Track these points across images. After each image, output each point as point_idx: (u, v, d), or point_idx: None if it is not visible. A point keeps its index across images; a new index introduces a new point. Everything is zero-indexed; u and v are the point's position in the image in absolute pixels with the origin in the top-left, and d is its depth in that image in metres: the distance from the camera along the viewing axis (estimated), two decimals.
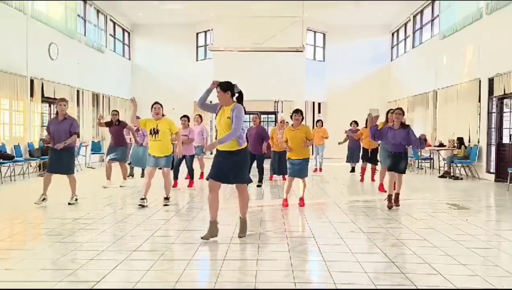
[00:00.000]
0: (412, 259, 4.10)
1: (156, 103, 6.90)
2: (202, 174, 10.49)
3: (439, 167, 13.24)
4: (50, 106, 13.51)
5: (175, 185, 8.92)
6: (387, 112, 8.43)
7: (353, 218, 6.07)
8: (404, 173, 6.98)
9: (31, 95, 11.99)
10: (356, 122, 12.49)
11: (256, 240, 4.76)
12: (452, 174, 11.54)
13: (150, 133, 6.76)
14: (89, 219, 5.85)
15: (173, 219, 5.94)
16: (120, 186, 9.09)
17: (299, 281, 3.47)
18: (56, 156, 6.91)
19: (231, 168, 4.69)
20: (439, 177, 11.73)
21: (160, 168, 7.02)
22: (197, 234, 5.02)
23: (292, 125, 6.90)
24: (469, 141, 11.90)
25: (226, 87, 4.75)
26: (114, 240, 4.74)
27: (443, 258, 4.12)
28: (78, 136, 7.18)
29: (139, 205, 6.74)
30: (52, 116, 13.57)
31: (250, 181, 5.00)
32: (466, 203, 7.46)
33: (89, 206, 6.81)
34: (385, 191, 8.30)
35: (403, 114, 7.01)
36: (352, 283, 3.42)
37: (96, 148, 15.47)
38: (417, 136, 6.91)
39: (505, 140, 10.70)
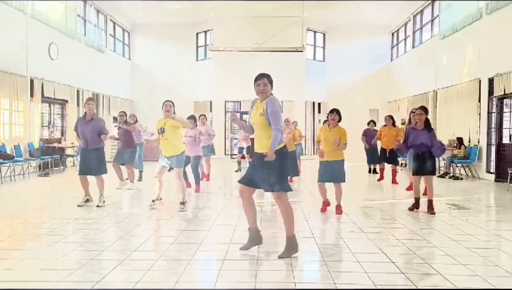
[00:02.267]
0: (412, 259, 4.09)
1: (167, 100, 6.62)
2: (208, 175, 10.37)
3: (439, 167, 13.24)
4: (50, 106, 13.51)
5: (189, 186, 8.59)
6: (410, 113, 8.19)
7: (353, 218, 6.06)
8: (433, 174, 6.65)
9: (31, 95, 11.99)
10: (373, 122, 12.25)
11: None
12: (452, 174, 11.54)
13: (159, 133, 6.53)
14: (89, 219, 5.85)
15: (173, 219, 5.94)
16: (128, 189, 8.87)
17: (299, 281, 3.47)
18: (86, 157, 6.87)
19: (267, 172, 3.99)
20: (438, 176, 11.72)
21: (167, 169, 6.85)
22: (197, 234, 5.03)
23: (327, 124, 6.51)
24: (469, 141, 11.91)
25: (271, 80, 4.16)
26: (114, 240, 4.74)
27: (443, 258, 4.12)
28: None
29: (152, 207, 6.59)
30: (52, 116, 13.61)
31: (290, 189, 4.13)
32: (466, 203, 7.46)
33: (89, 206, 6.79)
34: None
35: (426, 113, 6.62)
36: (352, 283, 3.41)
37: None
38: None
39: (505, 140, 10.70)
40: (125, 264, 3.88)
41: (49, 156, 11.94)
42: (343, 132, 6.34)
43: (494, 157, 10.97)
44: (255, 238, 4.29)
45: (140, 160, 10.23)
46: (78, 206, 6.70)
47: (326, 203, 6.56)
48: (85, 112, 7.00)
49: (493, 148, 11.06)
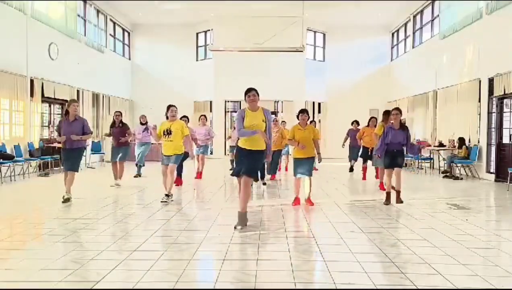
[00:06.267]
0: (412, 259, 4.10)
1: (173, 105, 7.33)
2: (200, 173, 10.74)
3: (439, 167, 13.24)
4: (50, 106, 13.52)
5: (179, 183, 9.23)
6: (384, 113, 8.77)
7: (353, 218, 6.06)
8: (401, 167, 7.27)
9: (31, 95, 11.99)
10: (357, 122, 12.56)
11: (256, 240, 4.75)
12: (452, 174, 11.54)
13: (164, 134, 7.15)
14: (89, 219, 5.85)
15: (173, 219, 5.94)
16: (117, 185, 9.11)
17: (299, 281, 3.47)
18: (67, 155, 7.19)
19: (258, 164, 5.38)
20: (444, 177, 11.65)
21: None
22: (197, 234, 5.03)
23: (299, 124, 6.95)
24: (469, 141, 11.91)
25: (258, 92, 5.40)
26: (114, 240, 4.74)
27: (443, 258, 4.12)
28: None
29: (163, 201, 7.07)
30: (52, 116, 13.61)
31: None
32: (466, 203, 7.46)
33: (89, 206, 6.80)
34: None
35: (401, 114, 7.30)
36: (352, 283, 3.42)
37: (96, 148, 15.49)
38: (413, 142, 7.25)
39: (505, 140, 10.69)
40: (125, 264, 3.88)
41: (49, 156, 11.95)
42: (315, 130, 7.10)
43: (494, 157, 10.97)
44: (245, 219, 5.33)
45: (143, 157, 11.08)
46: (63, 202, 6.95)
47: (299, 198, 7.07)
48: (66, 111, 7.25)
49: (493, 148, 11.06)
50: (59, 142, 7.19)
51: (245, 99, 5.38)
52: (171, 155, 7.22)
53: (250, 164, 5.26)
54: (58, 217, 5.97)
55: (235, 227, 5.17)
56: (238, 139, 5.43)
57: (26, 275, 3.57)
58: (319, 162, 7.12)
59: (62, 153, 7.37)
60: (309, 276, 3.76)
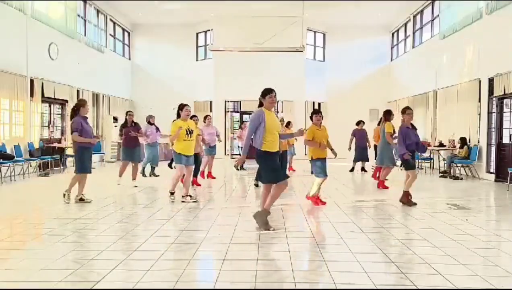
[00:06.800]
0: (412, 259, 4.09)
1: (187, 104, 7.30)
2: (210, 173, 10.87)
3: (439, 167, 13.24)
4: (50, 106, 13.51)
5: (198, 184, 9.45)
6: (385, 113, 8.83)
7: (353, 218, 6.06)
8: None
9: (31, 95, 11.99)
10: (363, 122, 12.52)
11: (256, 240, 4.76)
12: (452, 174, 11.53)
13: (186, 133, 7.10)
14: (89, 219, 5.85)
15: (173, 219, 5.94)
16: (135, 187, 9.12)
17: (299, 281, 3.47)
18: (90, 155, 7.16)
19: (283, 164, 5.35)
20: (440, 176, 11.69)
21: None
22: (197, 234, 5.03)
23: (314, 124, 6.96)
24: (469, 141, 11.91)
25: None
26: (114, 240, 4.74)
27: (443, 258, 4.11)
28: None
29: (172, 200, 7.27)
30: (52, 116, 13.61)
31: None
32: (466, 203, 7.46)
33: (89, 206, 6.81)
34: (385, 188, 8.92)
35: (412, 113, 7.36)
36: (352, 283, 3.41)
37: (96, 148, 15.46)
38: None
39: (505, 140, 10.69)
40: (125, 264, 3.88)
41: (49, 156, 11.95)
42: (326, 129, 7.13)
43: (494, 157, 10.97)
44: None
45: (157, 158, 11.30)
46: (80, 200, 7.07)
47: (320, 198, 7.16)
48: (76, 110, 6.99)
49: (493, 148, 11.05)
50: (93, 143, 7.03)
51: (262, 99, 5.17)
52: (192, 155, 7.29)
53: (282, 168, 5.26)
54: (58, 217, 5.97)
55: (268, 229, 5.12)
56: (262, 143, 5.06)
57: (26, 275, 3.57)
58: (334, 157, 7.15)
59: (86, 153, 7.02)
60: (309, 276, 3.75)
